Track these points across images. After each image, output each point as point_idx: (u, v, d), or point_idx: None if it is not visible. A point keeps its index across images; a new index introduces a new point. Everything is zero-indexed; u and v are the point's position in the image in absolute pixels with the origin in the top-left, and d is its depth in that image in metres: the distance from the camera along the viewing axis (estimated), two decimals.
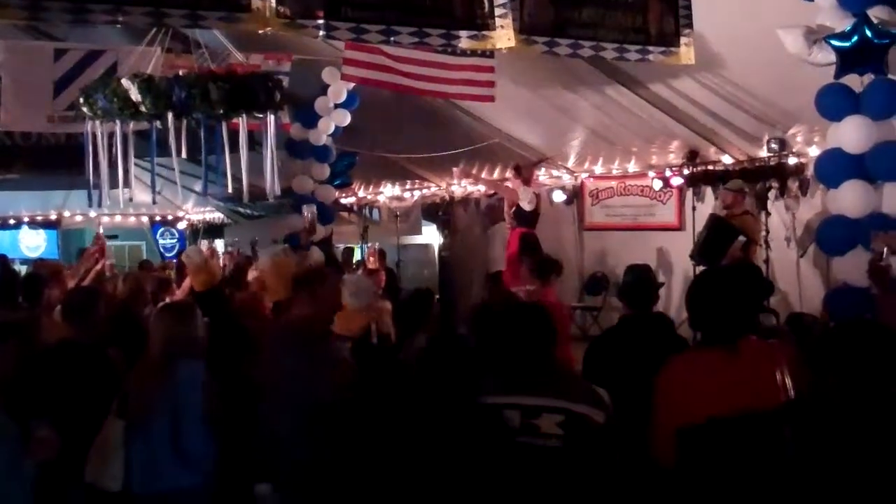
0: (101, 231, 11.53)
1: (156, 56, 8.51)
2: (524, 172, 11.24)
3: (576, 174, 12.76)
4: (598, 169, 12.46)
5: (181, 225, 20.74)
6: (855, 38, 6.38)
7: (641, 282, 5.42)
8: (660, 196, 11.79)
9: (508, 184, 11.39)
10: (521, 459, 3.70)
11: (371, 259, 12.00)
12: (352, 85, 11.04)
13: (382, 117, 12.48)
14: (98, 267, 8.77)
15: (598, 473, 3.72)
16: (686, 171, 11.01)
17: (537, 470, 3.69)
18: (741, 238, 9.36)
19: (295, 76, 11.13)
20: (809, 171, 9.09)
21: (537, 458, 3.69)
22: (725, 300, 4.15)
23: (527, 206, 10.90)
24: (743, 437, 3.90)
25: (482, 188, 13.79)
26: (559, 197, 12.87)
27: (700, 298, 4.23)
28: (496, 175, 12.99)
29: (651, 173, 11.58)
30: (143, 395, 4.56)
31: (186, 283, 7.53)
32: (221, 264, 9.19)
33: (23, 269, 15.88)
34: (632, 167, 11.95)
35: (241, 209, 16.94)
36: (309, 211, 11.19)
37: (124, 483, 4.53)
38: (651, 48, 7.18)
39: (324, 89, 11.51)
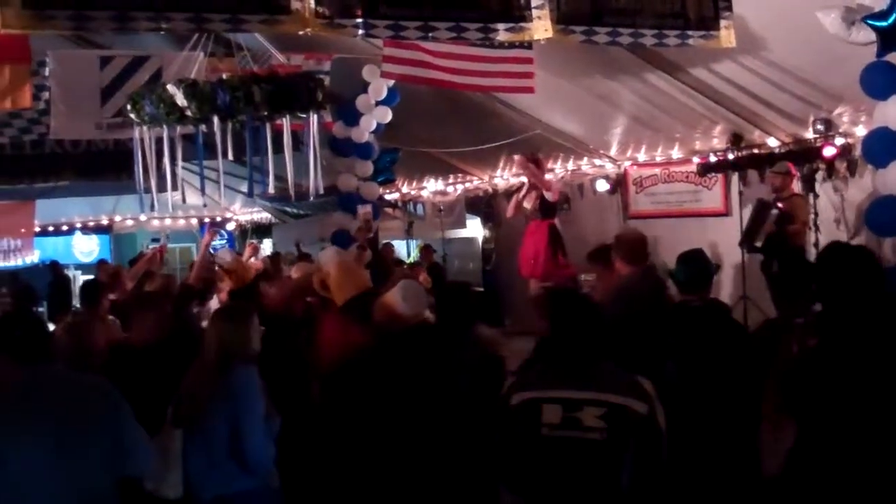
0: (163, 237, 11.74)
1: (199, 60, 8.62)
2: (542, 165, 11.24)
3: (618, 162, 12.65)
4: (642, 156, 12.31)
5: (230, 226, 21.00)
6: (893, 17, 6.29)
7: (697, 267, 5.40)
8: (705, 182, 11.63)
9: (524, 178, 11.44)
10: (563, 453, 3.72)
11: None
12: (392, 82, 11.10)
13: (423, 113, 12.52)
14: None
15: (642, 465, 3.72)
16: (731, 156, 10.88)
17: (581, 463, 3.71)
18: (774, 211, 9.28)
19: (336, 75, 11.21)
20: (857, 152, 8.96)
21: (580, 451, 3.70)
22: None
23: (551, 196, 10.92)
24: None
25: (524, 179, 13.76)
26: (602, 186, 12.76)
27: None
28: None
29: (695, 159, 11.46)
30: (199, 402, 4.51)
31: (225, 285, 7.74)
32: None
33: (77, 274, 16.33)
34: (675, 153, 11.82)
35: (287, 209, 17.13)
36: (363, 210, 11.31)
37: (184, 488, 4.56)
38: (691, 33, 7.13)
39: (365, 87, 11.61)
